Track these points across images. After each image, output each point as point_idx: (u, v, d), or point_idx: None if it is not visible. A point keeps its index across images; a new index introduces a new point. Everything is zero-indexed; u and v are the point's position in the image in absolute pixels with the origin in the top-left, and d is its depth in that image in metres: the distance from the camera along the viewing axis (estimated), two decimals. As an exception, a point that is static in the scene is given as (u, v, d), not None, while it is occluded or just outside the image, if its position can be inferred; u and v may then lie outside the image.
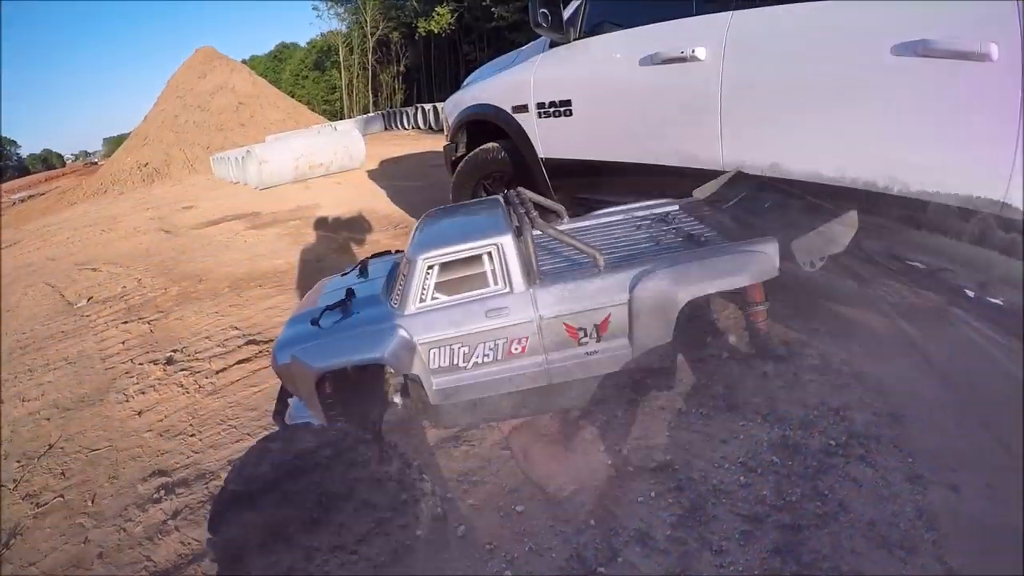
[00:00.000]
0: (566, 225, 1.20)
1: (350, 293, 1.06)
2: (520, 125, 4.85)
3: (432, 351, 0.95)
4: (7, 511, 3.22)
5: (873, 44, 2.78)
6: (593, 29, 4.28)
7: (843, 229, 0.87)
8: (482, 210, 1.08)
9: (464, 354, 0.95)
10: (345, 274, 1.29)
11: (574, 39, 4.34)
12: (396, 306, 0.97)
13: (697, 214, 1.09)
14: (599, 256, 0.88)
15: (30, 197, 31.23)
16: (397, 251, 1.37)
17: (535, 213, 0.96)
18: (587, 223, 1.19)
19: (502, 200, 1.14)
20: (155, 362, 4.67)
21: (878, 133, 2.84)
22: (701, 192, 1.15)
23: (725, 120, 3.38)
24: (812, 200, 0.91)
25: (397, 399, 1.18)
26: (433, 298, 0.92)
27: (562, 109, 4.48)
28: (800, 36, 3.09)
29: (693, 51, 3.46)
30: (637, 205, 1.16)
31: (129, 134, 28.67)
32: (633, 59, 3.89)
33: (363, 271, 1.21)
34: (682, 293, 0.88)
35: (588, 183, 4.51)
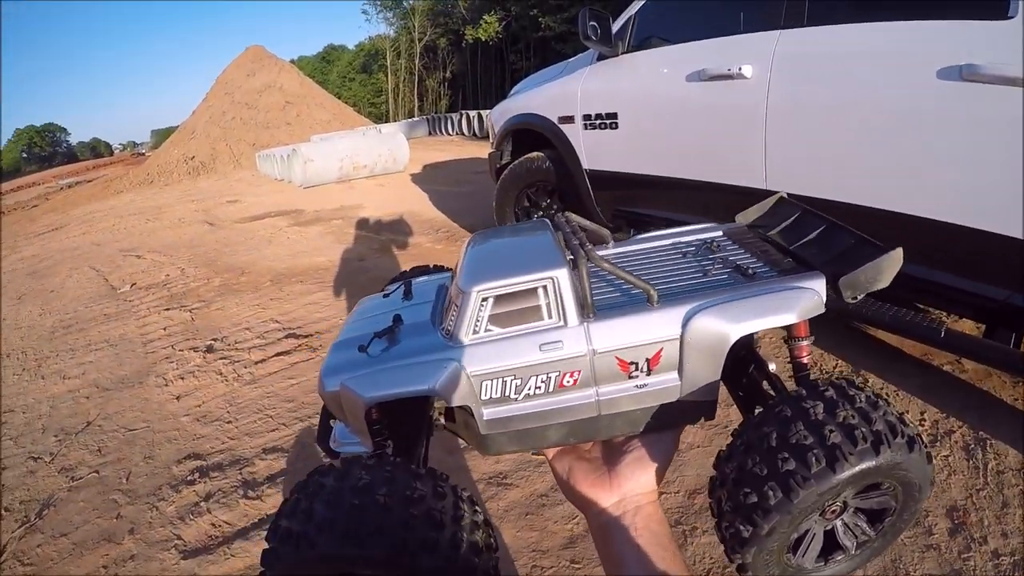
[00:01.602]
0: (612, 250, 1.17)
1: (398, 319, 1.06)
2: (566, 136, 4.88)
3: (484, 383, 0.93)
4: (43, 482, 3.28)
5: (921, 67, 2.79)
6: (641, 44, 4.30)
7: (889, 265, 0.85)
8: (532, 236, 1.05)
9: (516, 386, 0.94)
10: (387, 294, 1.27)
11: (622, 53, 4.36)
12: (447, 336, 0.96)
13: (741, 241, 1.06)
14: (653, 291, 0.86)
15: (77, 183, 31.79)
16: (435, 266, 1.35)
17: (589, 245, 0.95)
18: (632, 248, 1.16)
19: (550, 224, 1.12)
20: (195, 349, 4.75)
21: (919, 160, 2.82)
22: (744, 217, 1.12)
23: (770, 139, 3.37)
24: (857, 233, 0.91)
25: (442, 421, 1.17)
26: (487, 330, 0.91)
27: (608, 122, 4.50)
28: (847, 57, 3.10)
29: (740, 68, 3.47)
30: (681, 230, 1.13)
31: (177, 127, 29.06)
32: (680, 75, 3.90)
33: (407, 292, 1.19)
34: (732, 331, 0.86)
35: (631, 196, 4.52)
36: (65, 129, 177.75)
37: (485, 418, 1.01)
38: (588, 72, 4.71)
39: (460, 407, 1.01)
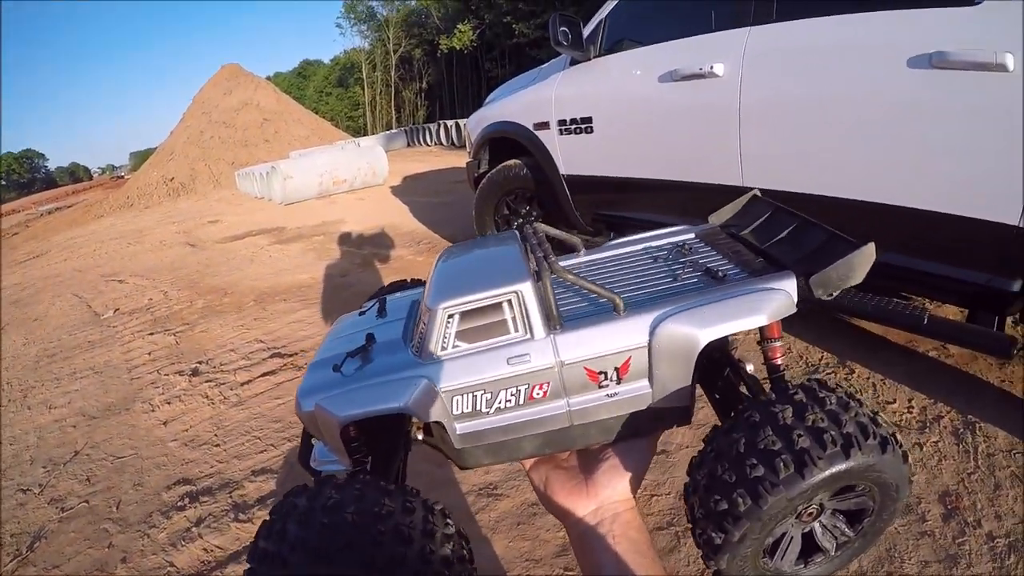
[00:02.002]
0: (583, 257, 1.17)
1: (370, 338, 1.06)
2: (542, 142, 4.91)
3: (455, 398, 0.93)
4: (32, 515, 3.27)
5: (891, 57, 2.83)
6: (613, 47, 4.33)
7: (862, 261, 0.85)
8: (499, 249, 1.05)
9: (487, 400, 0.94)
10: (363, 312, 1.27)
11: (594, 57, 4.39)
12: (417, 354, 0.96)
13: (713, 243, 1.06)
14: (619, 300, 0.86)
15: (57, 209, 31.60)
16: (413, 280, 1.36)
17: (553, 256, 0.94)
18: (603, 255, 1.15)
19: (518, 236, 1.11)
20: (181, 373, 4.72)
21: (896, 149, 2.86)
22: (717, 217, 1.12)
23: (744, 136, 3.40)
24: (829, 229, 0.91)
25: (420, 436, 1.18)
26: (454, 346, 0.91)
27: (583, 126, 4.52)
28: (817, 51, 3.14)
29: (711, 67, 3.50)
30: (653, 234, 1.13)
31: (155, 149, 28.96)
32: (652, 76, 3.93)
33: (381, 310, 1.20)
34: (701, 335, 0.85)
35: (609, 199, 4.54)
36: (43, 155, 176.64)
37: (458, 432, 1.01)
38: (561, 77, 4.74)
39: (434, 422, 1.02)
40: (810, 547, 0.99)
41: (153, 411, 4.19)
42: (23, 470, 3.73)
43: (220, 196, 18.62)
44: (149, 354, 5.30)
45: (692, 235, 1.27)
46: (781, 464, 0.82)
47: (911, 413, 3.08)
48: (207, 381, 4.49)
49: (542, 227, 1.26)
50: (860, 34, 2.96)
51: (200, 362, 4.87)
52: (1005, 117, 2.50)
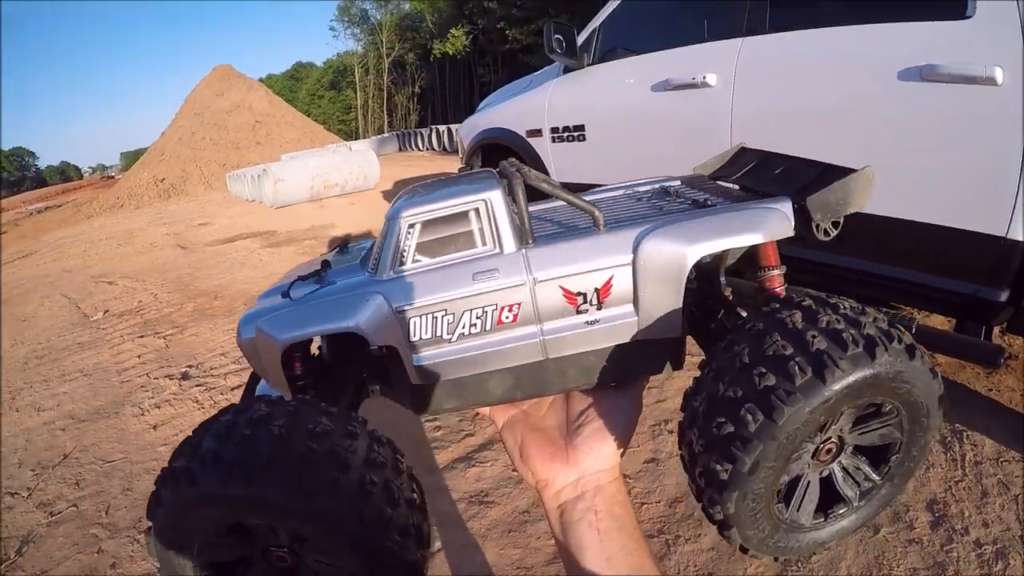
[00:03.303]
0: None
1: (325, 264, 0.97)
2: (534, 149, 4.94)
3: (413, 320, 0.83)
4: (20, 518, 3.25)
5: (882, 70, 2.86)
6: (606, 55, 4.36)
7: (859, 184, 0.76)
8: (472, 176, 0.95)
9: (448, 324, 0.83)
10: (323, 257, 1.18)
11: (587, 65, 4.42)
12: (373, 271, 0.86)
13: (700, 185, 0.99)
14: (598, 213, 0.77)
15: (47, 208, 31.43)
16: None
17: (526, 168, 0.85)
18: (590, 197, 1.07)
19: (495, 172, 1.01)
20: (171, 377, 4.70)
21: (885, 160, 2.89)
22: (703, 168, 1.04)
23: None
24: (823, 163, 0.84)
25: (377, 389, 1.08)
26: (414, 261, 0.82)
27: (575, 134, 4.55)
28: (809, 62, 3.18)
29: (704, 77, 3.53)
30: (637, 181, 1.08)
31: (146, 149, 28.86)
32: (645, 85, 3.96)
33: (343, 249, 1.10)
34: (690, 250, 0.73)
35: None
36: (33, 153, 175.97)
37: (415, 363, 0.91)
38: (554, 85, 4.77)
39: (392, 357, 0.92)
40: (830, 497, 0.86)
41: (143, 415, 4.17)
42: (11, 473, 3.70)
43: (211, 198, 18.60)
44: (139, 357, 5.27)
45: (678, 182, 1.20)
46: (796, 368, 0.70)
47: (899, 423, 3.08)
48: (197, 385, 4.47)
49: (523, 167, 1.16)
50: (852, 46, 3.00)
51: (190, 366, 4.85)
52: (994, 129, 2.54)
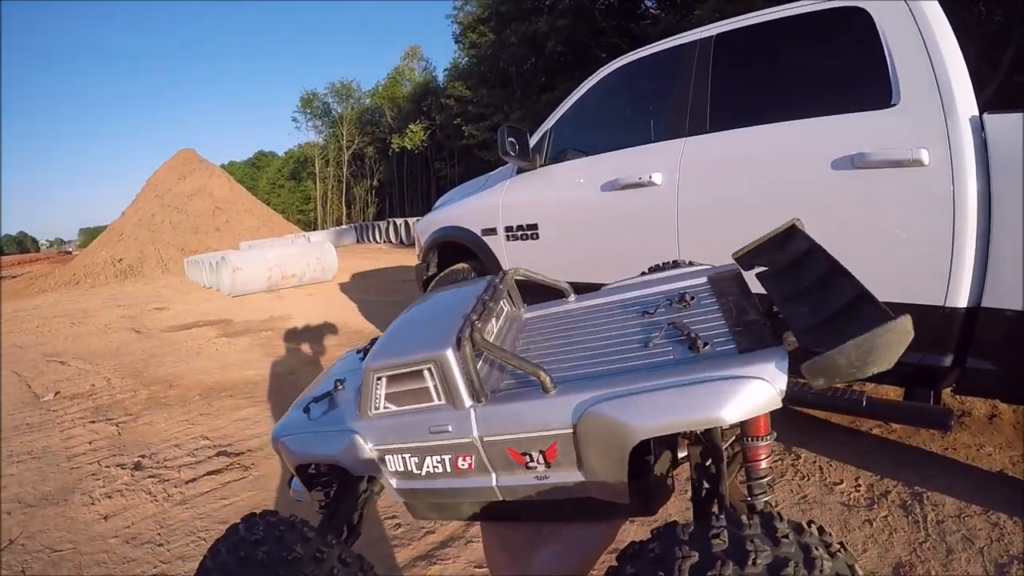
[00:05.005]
0: (562, 307, 1.17)
1: (339, 383, 1.15)
2: (489, 247, 5.16)
3: (387, 456, 0.96)
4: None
5: (817, 160, 3.10)
6: (557, 156, 4.65)
7: (887, 341, 0.63)
8: (457, 300, 1.05)
9: (415, 463, 0.95)
10: (360, 351, 1.34)
11: (540, 166, 4.70)
12: (358, 410, 1.02)
13: (720, 292, 0.98)
14: (545, 377, 0.82)
15: (2, 278, 30.81)
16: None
17: (478, 325, 0.91)
18: (590, 303, 1.12)
19: (487, 283, 1.10)
20: (122, 466, 4.69)
21: (826, 244, 3.13)
22: (748, 248, 0.97)
23: (682, 240, 3.69)
24: (859, 285, 0.73)
25: (375, 488, 1.25)
26: (384, 407, 0.95)
27: (529, 232, 4.79)
28: (749, 158, 3.44)
29: (650, 177, 3.81)
30: (662, 276, 1.09)
31: (106, 227, 28.68)
32: (595, 185, 4.24)
33: (366, 352, 1.23)
34: (635, 430, 0.80)
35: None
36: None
37: (395, 487, 1.08)
38: (508, 185, 5.01)
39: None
40: None
41: (93, 504, 4.15)
42: (-46, 559, 3.67)
43: (168, 282, 18.51)
44: (90, 443, 5.24)
45: (704, 279, 1.18)
46: None
47: (859, 491, 3.25)
48: (150, 476, 4.47)
49: (522, 273, 1.27)
50: (788, 141, 3.27)
51: (143, 456, 4.84)
52: (924, 207, 2.77)
